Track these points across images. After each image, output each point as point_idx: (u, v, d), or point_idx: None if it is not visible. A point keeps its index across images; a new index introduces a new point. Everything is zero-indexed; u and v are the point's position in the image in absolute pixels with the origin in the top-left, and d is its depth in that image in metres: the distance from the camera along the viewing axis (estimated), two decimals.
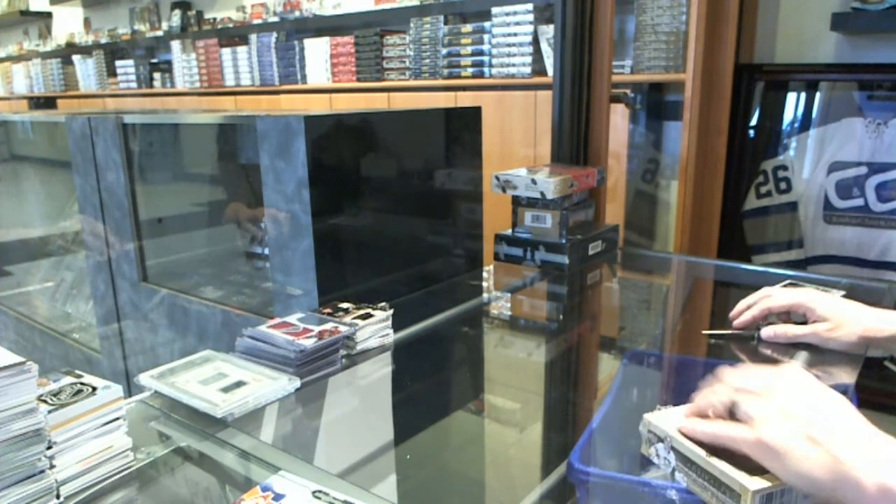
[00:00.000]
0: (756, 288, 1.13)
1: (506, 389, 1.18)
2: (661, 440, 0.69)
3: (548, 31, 2.98)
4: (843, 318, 0.96)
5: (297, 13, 4.19)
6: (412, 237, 1.58)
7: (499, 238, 1.65)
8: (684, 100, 2.27)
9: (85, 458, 0.71)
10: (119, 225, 1.88)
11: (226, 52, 4.52)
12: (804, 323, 1.03)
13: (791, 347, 1.03)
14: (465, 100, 3.15)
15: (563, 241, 1.56)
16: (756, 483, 0.59)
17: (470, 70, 3.26)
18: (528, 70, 3.05)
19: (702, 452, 0.64)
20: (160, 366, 0.94)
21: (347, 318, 1.08)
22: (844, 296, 1.21)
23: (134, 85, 5.35)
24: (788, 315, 1.07)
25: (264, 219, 1.41)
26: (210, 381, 0.91)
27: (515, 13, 3.07)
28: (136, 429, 0.79)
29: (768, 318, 1.08)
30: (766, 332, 1.04)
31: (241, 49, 4.41)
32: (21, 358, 0.63)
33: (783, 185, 2.47)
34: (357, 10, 3.87)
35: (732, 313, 1.12)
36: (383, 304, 1.13)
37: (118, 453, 0.74)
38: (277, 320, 1.07)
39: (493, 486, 0.93)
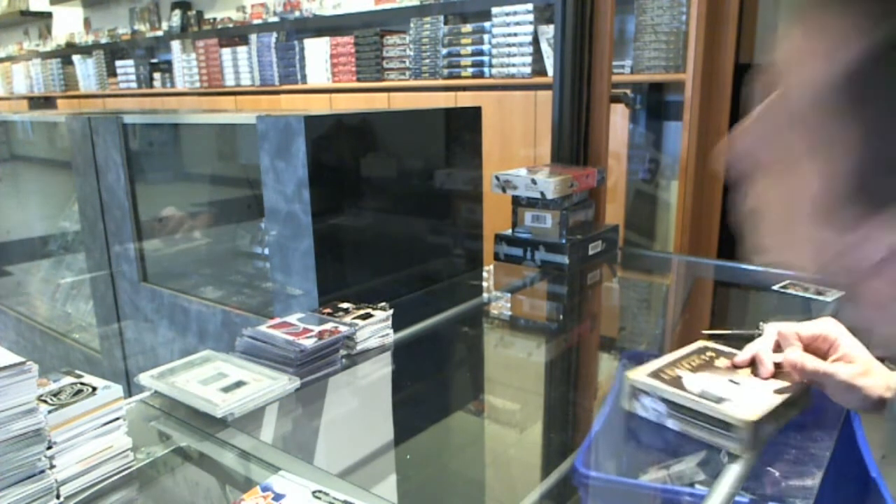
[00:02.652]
0: (756, 288, 1.13)
1: (506, 390, 1.18)
2: (647, 394, 0.79)
3: (548, 31, 2.98)
4: (872, 365, 0.78)
5: (297, 13, 4.19)
6: (412, 237, 1.58)
7: (499, 238, 1.65)
8: (684, 100, 2.27)
9: (85, 458, 0.71)
10: (119, 225, 1.88)
11: (226, 52, 4.52)
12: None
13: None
14: (465, 100, 3.15)
15: (563, 241, 1.56)
16: (752, 416, 0.72)
17: (470, 70, 3.26)
18: (528, 70, 3.05)
19: (693, 397, 0.76)
20: (160, 366, 0.94)
21: (347, 318, 1.08)
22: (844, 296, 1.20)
23: (134, 85, 5.35)
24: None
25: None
26: (210, 380, 0.91)
27: (515, 13, 3.07)
28: (136, 429, 0.79)
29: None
30: (791, 354, 0.83)
31: (241, 49, 4.41)
32: (21, 358, 0.63)
33: None
34: (357, 10, 3.87)
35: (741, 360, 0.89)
36: (383, 304, 1.13)
37: (118, 453, 0.74)
38: (277, 320, 1.07)
39: (493, 487, 0.93)
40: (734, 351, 0.92)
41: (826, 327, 0.82)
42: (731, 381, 0.82)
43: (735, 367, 0.88)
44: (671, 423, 0.78)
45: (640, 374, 0.82)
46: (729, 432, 0.72)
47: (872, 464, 0.81)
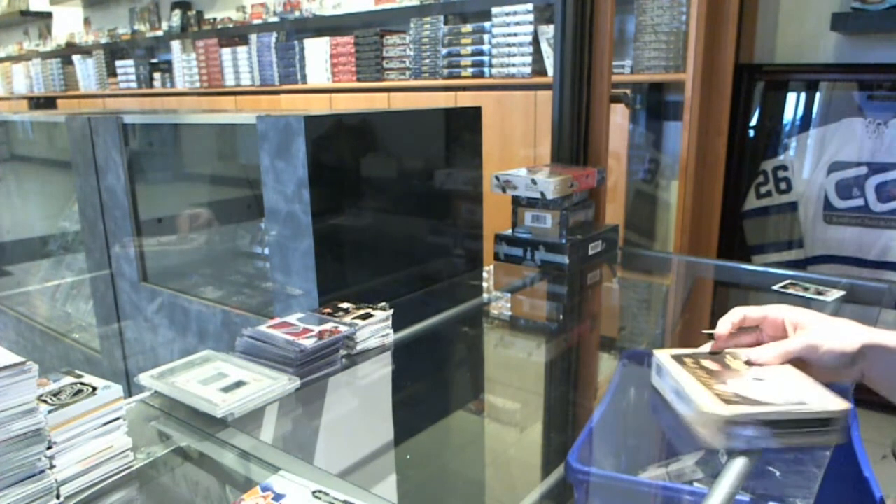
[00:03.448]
0: (755, 288, 1.13)
1: (506, 389, 1.18)
2: (744, 424, 0.70)
3: (548, 31, 2.98)
4: (834, 326, 0.80)
5: (297, 13, 4.19)
6: (412, 237, 1.58)
7: (499, 238, 1.65)
8: (684, 100, 2.27)
9: (85, 458, 0.71)
10: (119, 225, 1.88)
11: (226, 52, 4.52)
12: None
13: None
14: (465, 100, 3.15)
15: (563, 241, 1.56)
16: (843, 403, 0.70)
17: (470, 70, 3.26)
18: (528, 70, 3.05)
19: (790, 408, 0.71)
20: (160, 366, 0.94)
21: (347, 318, 1.08)
22: (844, 297, 1.20)
23: (134, 85, 5.36)
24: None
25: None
26: (210, 381, 0.91)
27: (515, 13, 3.07)
28: (136, 429, 0.79)
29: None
30: (755, 353, 0.82)
31: (241, 49, 4.41)
32: (21, 358, 0.63)
33: (783, 185, 2.47)
34: (357, 10, 3.87)
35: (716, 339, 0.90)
36: (383, 304, 1.14)
37: (118, 453, 0.74)
38: (277, 320, 1.07)
39: (493, 486, 0.93)
40: (700, 351, 0.88)
41: (775, 310, 0.85)
42: (756, 378, 0.77)
43: (715, 340, 0.87)
44: (770, 443, 0.70)
45: (719, 409, 0.70)
46: (829, 426, 0.69)
47: (866, 463, 0.81)
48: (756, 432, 0.70)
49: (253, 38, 4.32)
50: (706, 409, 0.69)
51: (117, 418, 0.74)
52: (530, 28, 3.02)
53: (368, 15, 3.79)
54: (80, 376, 0.76)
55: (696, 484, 0.74)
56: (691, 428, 0.71)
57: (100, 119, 1.84)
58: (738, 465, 0.69)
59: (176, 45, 4.94)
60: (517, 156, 2.83)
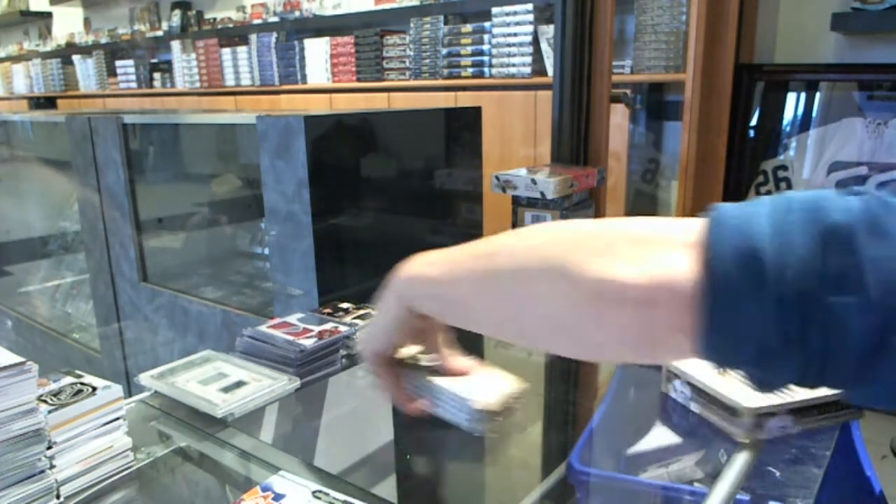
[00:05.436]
0: None
1: None
2: (678, 377, 0.82)
3: (548, 31, 2.98)
4: None
5: (297, 13, 4.19)
6: (412, 237, 1.58)
7: None
8: (684, 100, 2.27)
9: (85, 458, 0.71)
10: (119, 225, 1.88)
11: (226, 52, 4.52)
12: None
13: None
14: (465, 100, 3.15)
15: None
16: (753, 402, 0.72)
17: (470, 70, 3.26)
18: (528, 70, 3.05)
19: (709, 382, 0.77)
20: (160, 366, 0.94)
21: (347, 318, 1.08)
22: None
23: (134, 85, 5.35)
24: None
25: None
26: (210, 381, 0.91)
27: (515, 13, 3.07)
28: (136, 429, 0.79)
29: None
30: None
31: (241, 49, 4.41)
32: (21, 358, 0.63)
33: (783, 185, 2.47)
34: (357, 10, 3.86)
35: None
36: None
37: (118, 453, 0.74)
38: (277, 320, 1.07)
39: (493, 486, 0.93)
40: None
41: None
42: None
43: None
44: (694, 407, 0.80)
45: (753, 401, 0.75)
46: (734, 417, 0.74)
47: (868, 463, 0.81)
48: (684, 389, 0.81)
49: (253, 38, 4.32)
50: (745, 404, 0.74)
51: (117, 418, 0.74)
52: (530, 28, 3.02)
53: (368, 15, 3.79)
54: (80, 376, 0.76)
55: (696, 484, 0.74)
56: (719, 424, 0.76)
57: (100, 119, 1.84)
58: (738, 465, 0.69)
59: (176, 45, 4.93)
60: (517, 156, 2.83)
